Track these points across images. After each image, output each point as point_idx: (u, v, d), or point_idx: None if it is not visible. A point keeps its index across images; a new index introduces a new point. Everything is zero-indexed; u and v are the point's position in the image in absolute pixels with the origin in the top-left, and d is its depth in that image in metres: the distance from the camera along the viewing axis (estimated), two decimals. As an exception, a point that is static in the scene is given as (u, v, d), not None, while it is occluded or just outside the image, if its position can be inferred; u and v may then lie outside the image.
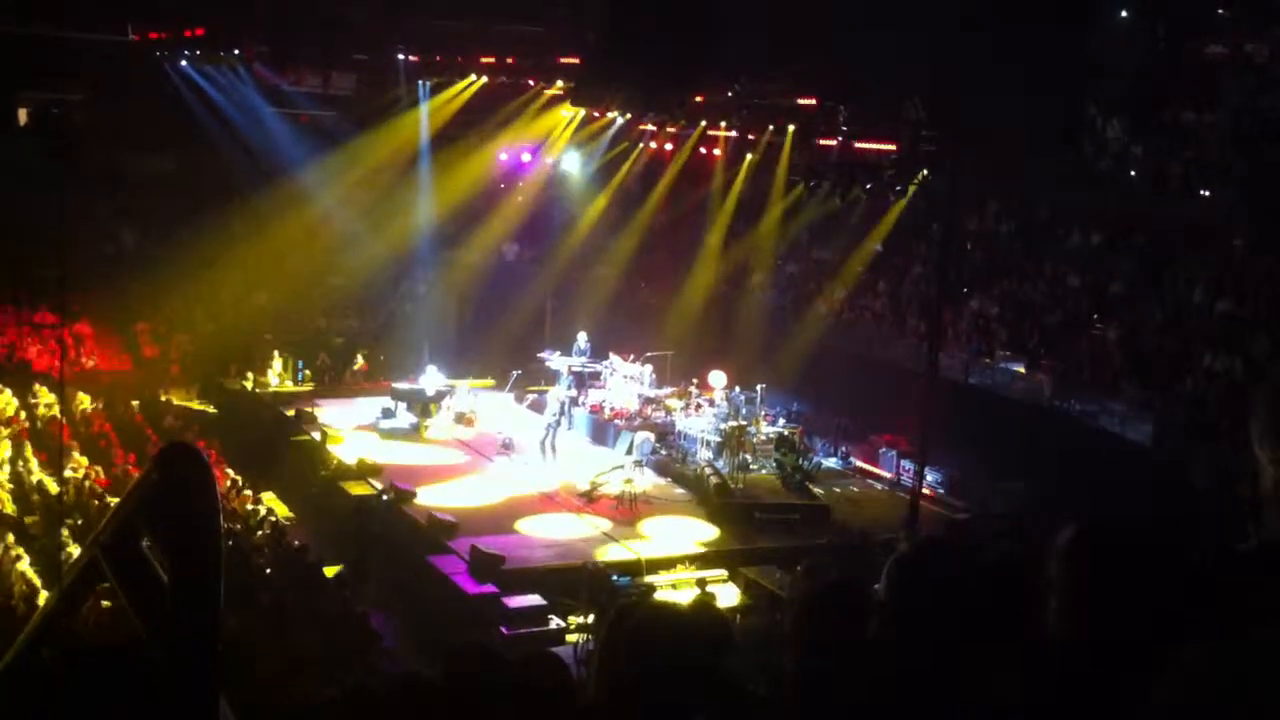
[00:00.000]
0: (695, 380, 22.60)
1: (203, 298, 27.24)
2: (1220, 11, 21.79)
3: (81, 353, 25.08)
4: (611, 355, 23.73)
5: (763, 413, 21.84)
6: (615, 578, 16.00)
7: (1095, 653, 2.39)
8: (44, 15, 25.09)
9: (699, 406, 21.98)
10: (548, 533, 18.16)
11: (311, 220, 28.14)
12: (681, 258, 27.43)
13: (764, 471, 20.78)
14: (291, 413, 23.33)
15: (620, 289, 28.34)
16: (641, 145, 28.36)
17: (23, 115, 28.30)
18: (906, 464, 20.81)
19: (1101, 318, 20.96)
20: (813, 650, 2.94)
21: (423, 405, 23.33)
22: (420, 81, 28.71)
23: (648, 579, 16.42)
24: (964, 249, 23.80)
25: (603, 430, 22.90)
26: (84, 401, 21.71)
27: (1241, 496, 11.92)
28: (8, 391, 21.00)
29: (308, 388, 25.86)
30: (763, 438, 21.25)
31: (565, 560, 16.79)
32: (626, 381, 23.23)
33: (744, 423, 20.96)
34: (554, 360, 24.00)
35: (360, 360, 26.90)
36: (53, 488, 16.69)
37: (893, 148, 21.66)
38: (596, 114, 27.85)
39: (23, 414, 20.56)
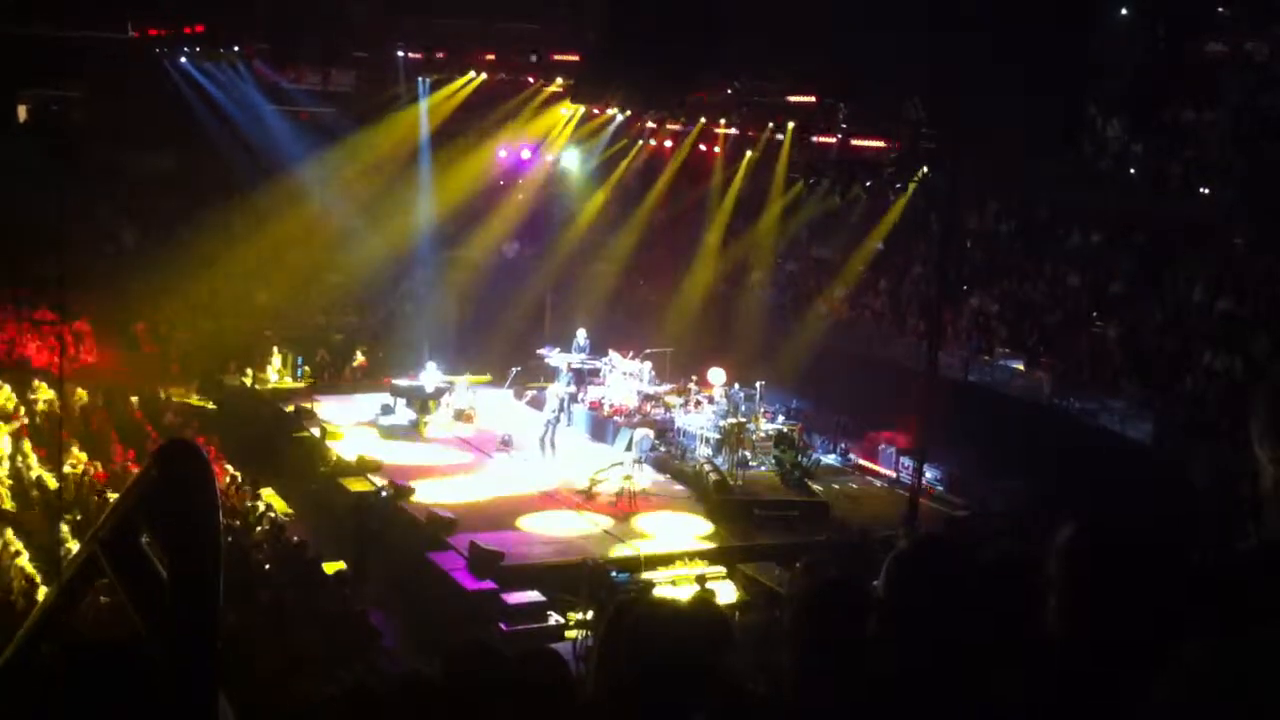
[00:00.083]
0: (694, 377, 22.57)
1: (202, 295, 27.19)
2: (1220, 10, 21.81)
3: (81, 349, 25.04)
4: (611, 352, 23.71)
5: (762, 410, 21.82)
6: (614, 574, 16.01)
7: (1095, 651, 2.38)
8: (44, 12, 25.03)
9: (698, 403, 21.96)
10: (547, 529, 18.17)
11: (311, 217, 28.08)
12: (681, 255, 27.43)
13: (763, 468, 20.76)
14: (291, 409, 23.32)
15: (620, 286, 28.36)
16: (641, 142, 28.38)
17: (22, 112, 28.30)
18: (906, 461, 20.82)
19: (1101, 316, 20.96)
20: (812, 648, 2.93)
21: (422, 402, 23.32)
22: (420, 78, 28.68)
23: (647, 575, 16.43)
24: (964, 248, 23.80)
25: (602, 427, 22.91)
26: (82, 396, 21.69)
27: (1241, 495, 11.93)
28: (6, 387, 20.96)
29: (307, 384, 25.84)
30: (762, 435, 21.22)
31: (564, 557, 16.80)
32: (626, 378, 23.20)
33: (743, 420, 20.92)
34: (553, 357, 23.97)
35: (360, 357, 26.86)
36: (52, 483, 16.68)
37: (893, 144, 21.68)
38: (596, 111, 27.85)
39: (21, 410, 20.54)
